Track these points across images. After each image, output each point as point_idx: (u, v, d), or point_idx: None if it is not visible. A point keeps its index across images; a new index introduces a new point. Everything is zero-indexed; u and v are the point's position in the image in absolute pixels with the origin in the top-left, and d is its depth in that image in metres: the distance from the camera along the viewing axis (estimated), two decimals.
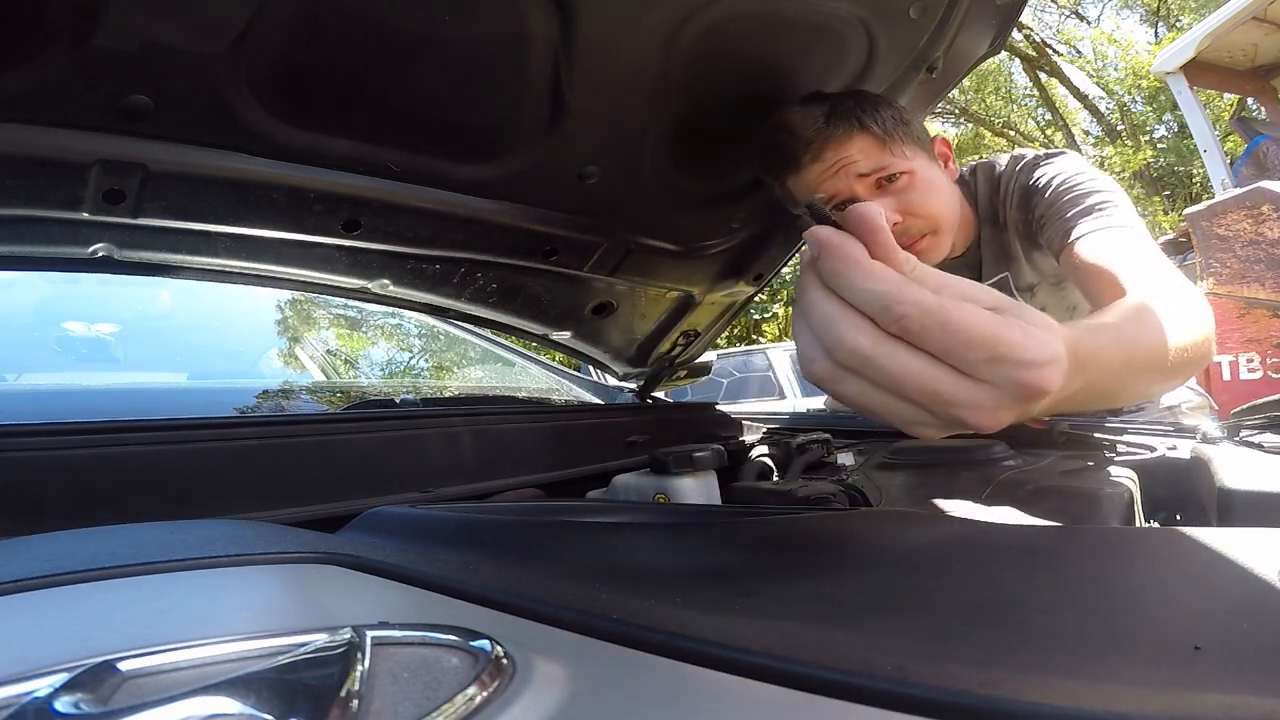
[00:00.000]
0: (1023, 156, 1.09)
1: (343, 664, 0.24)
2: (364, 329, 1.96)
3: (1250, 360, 3.49)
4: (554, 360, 2.09)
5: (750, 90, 0.98)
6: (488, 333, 1.74)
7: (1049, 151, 1.08)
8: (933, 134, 1.07)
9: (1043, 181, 1.02)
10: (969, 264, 1.16)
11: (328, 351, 1.77)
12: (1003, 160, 1.12)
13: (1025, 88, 15.02)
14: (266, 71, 0.71)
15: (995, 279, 1.13)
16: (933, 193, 1.01)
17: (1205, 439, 0.98)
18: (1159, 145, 12.83)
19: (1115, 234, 0.90)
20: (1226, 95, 8.39)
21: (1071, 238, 0.93)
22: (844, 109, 0.97)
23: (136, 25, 0.62)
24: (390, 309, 1.56)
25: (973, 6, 0.97)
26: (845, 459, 1.06)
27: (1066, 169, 1.01)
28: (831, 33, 0.93)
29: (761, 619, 0.32)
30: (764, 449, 1.03)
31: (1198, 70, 4.38)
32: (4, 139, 0.65)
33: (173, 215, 0.80)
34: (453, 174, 0.91)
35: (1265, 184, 3.35)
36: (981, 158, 1.21)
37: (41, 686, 0.22)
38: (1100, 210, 0.94)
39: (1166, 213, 10.84)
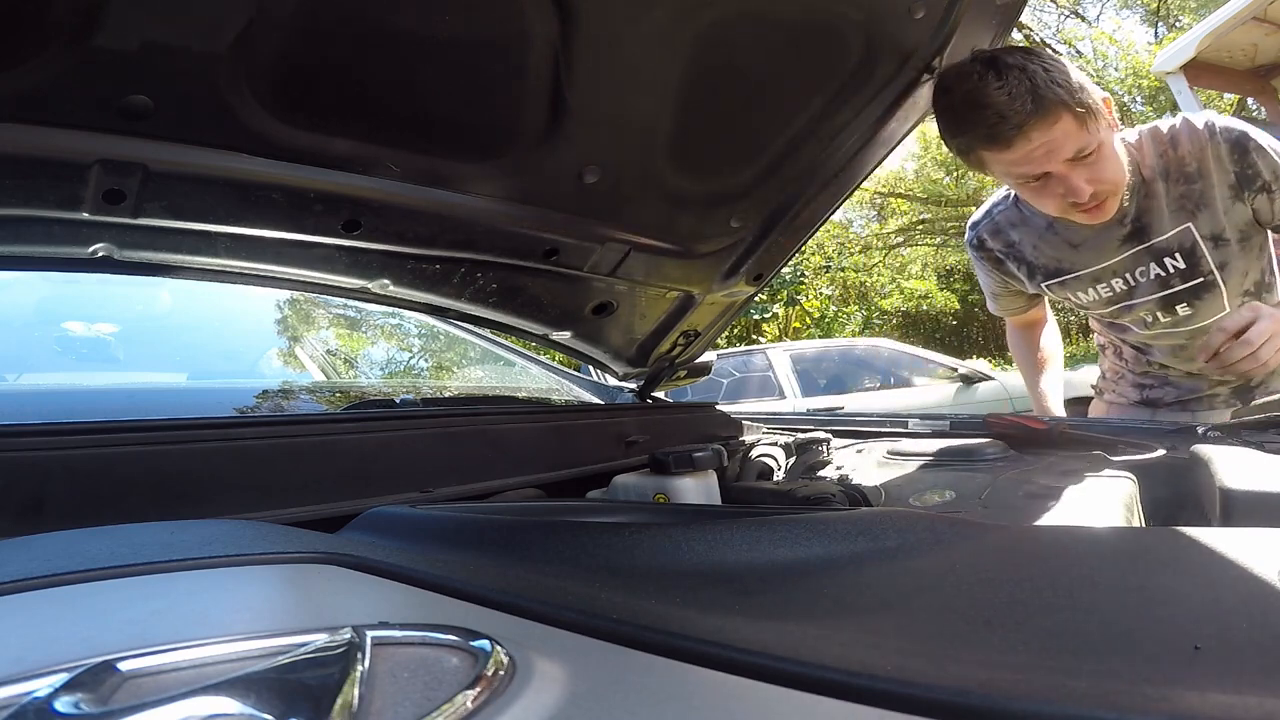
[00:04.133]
0: (1200, 118, 1.20)
1: (343, 664, 0.24)
2: (364, 329, 1.96)
3: None
4: (554, 360, 2.09)
5: (750, 90, 0.98)
6: (488, 333, 1.74)
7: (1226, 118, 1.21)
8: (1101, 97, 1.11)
9: (1257, 142, 1.16)
10: (1117, 218, 1.24)
11: (328, 351, 1.77)
12: (1171, 123, 1.21)
13: None
14: (266, 71, 0.71)
15: (1178, 229, 1.24)
16: (1114, 161, 1.12)
17: (1205, 439, 0.98)
18: None
19: None
20: (1226, 95, 8.38)
21: None
22: (1048, 91, 1.00)
23: (136, 25, 0.62)
24: (390, 309, 1.56)
25: (972, 6, 0.97)
26: (845, 459, 1.06)
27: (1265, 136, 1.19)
28: (831, 32, 0.93)
29: (761, 619, 0.32)
30: (766, 448, 1.03)
31: (1198, 70, 4.38)
32: (4, 139, 0.65)
33: (173, 215, 0.80)
34: (452, 174, 0.91)
35: None
36: None
37: (41, 686, 0.22)
38: None
39: None
